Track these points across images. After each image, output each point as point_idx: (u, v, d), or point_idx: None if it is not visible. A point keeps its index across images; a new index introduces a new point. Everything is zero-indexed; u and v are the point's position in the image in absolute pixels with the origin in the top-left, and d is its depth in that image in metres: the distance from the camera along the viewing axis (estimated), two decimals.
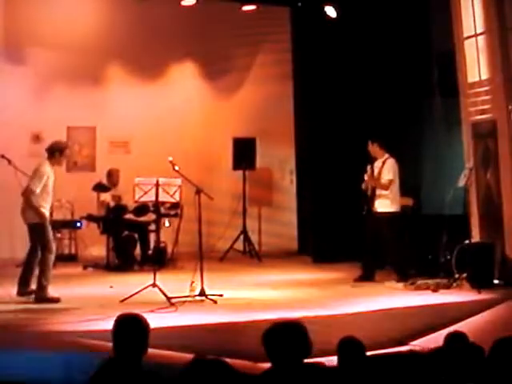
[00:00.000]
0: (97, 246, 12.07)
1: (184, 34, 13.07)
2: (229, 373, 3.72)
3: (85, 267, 11.25)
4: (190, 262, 9.51)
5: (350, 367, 4.49)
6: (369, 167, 10.27)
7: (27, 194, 8.78)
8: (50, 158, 8.91)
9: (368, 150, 10.35)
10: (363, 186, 10.26)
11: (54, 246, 8.93)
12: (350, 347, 4.64)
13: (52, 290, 8.86)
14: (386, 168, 10.20)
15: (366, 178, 10.26)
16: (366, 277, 10.09)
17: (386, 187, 10.13)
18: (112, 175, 11.79)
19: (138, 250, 11.65)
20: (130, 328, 4.25)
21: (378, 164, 10.29)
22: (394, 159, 10.25)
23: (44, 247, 8.77)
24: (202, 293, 8.61)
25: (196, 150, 13.02)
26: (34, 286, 8.73)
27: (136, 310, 7.28)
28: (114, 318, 4.35)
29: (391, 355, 5.32)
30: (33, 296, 8.61)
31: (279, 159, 14.00)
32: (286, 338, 4.11)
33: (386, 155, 10.28)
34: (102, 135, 13.06)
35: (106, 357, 4.29)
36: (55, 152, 8.92)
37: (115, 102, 13.06)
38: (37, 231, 8.82)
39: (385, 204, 10.14)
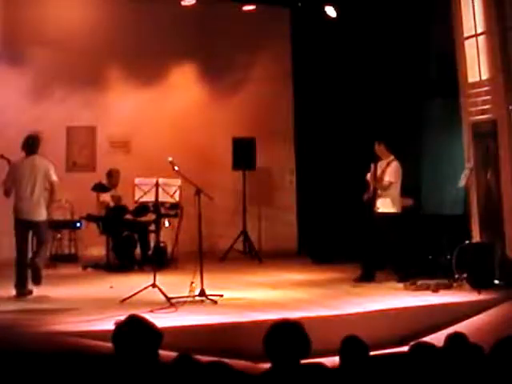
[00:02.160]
0: (97, 246, 12.06)
1: (184, 33, 13.07)
2: (230, 374, 3.72)
3: (85, 267, 11.24)
4: (189, 262, 9.49)
5: (352, 367, 4.48)
6: (372, 166, 10.23)
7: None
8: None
9: (374, 150, 10.31)
10: (365, 196, 10.20)
11: None
12: (353, 346, 4.64)
13: (52, 290, 8.93)
14: (390, 170, 10.15)
15: (368, 177, 10.23)
16: (366, 277, 10.08)
17: (384, 188, 10.11)
18: (112, 176, 11.79)
19: (137, 251, 11.64)
20: (139, 331, 4.20)
21: (381, 164, 10.26)
22: (398, 162, 10.21)
23: (47, 242, 9.16)
24: (202, 293, 8.61)
25: (196, 150, 13.00)
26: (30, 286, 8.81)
27: (136, 311, 7.30)
28: (123, 319, 4.30)
29: (393, 355, 5.32)
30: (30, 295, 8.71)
31: (279, 159, 13.99)
32: (287, 338, 4.11)
33: (391, 157, 10.24)
34: (102, 135, 13.06)
35: (107, 357, 4.29)
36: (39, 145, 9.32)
37: (115, 101, 13.06)
38: (44, 227, 9.01)
39: (386, 205, 10.12)
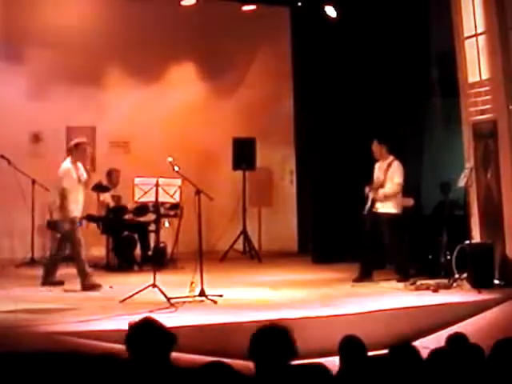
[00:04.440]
0: (97, 246, 12.06)
1: (184, 34, 13.06)
2: (230, 374, 3.71)
3: None
4: (189, 263, 9.50)
5: (351, 366, 4.48)
6: (378, 164, 10.21)
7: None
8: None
9: (372, 150, 10.27)
10: (367, 189, 10.15)
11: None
12: (351, 346, 4.64)
13: (52, 290, 9.00)
14: (394, 171, 10.09)
15: (367, 191, 10.17)
16: (365, 276, 10.06)
17: (396, 192, 10.07)
18: (112, 175, 11.78)
19: (137, 251, 11.63)
20: (151, 334, 4.20)
21: (381, 166, 10.22)
22: (399, 161, 10.19)
23: (57, 242, 9.80)
24: (202, 293, 8.61)
25: (196, 150, 13.00)
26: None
27: (136, 311, 7.30)
28: (132, 323, 4.30)
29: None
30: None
31: (279, 159, 13.99)
32: (272, 343, 4.08)
33: (391, 157, 10.21)
34: (101, 135, 13.04)
35: (106, 357, 4.28)
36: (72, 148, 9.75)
37: (115, 102, 13.04)
38: (57, 227, 9.85)
39: (387, 204, 10.09)
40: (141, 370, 4.02)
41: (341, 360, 4.58)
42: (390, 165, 10.16)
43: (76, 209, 9.39)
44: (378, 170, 10.23)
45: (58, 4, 12.55)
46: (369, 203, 10.09)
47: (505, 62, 9.66)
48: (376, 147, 10.25)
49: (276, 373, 3.96)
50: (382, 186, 10.09)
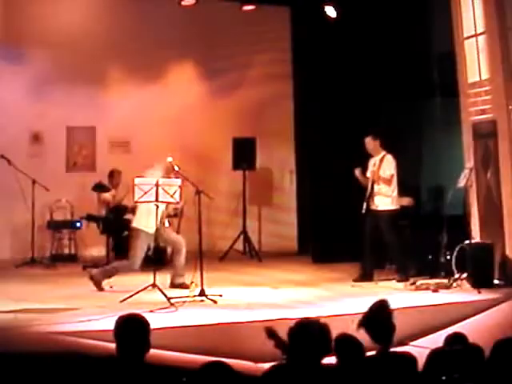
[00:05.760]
0: (97, 246, 12.07)
1: (184, 33, 13.06)
2: (230, 374, 3.73)
3: (85, 267, 11.22)
4: (189, 262, 9.50)
5: (348, 366, 4.48)
6: (373, 160, 10.24)
7: None
8: None
9: (366, 145, 10.28)
10: (357, 172, 10.15)
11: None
12: (348, 346, 4.64)
13: (52, 290, 8.92)
14: (386, 164, 10.16)
15: (369, 173, 10.21)
16: (365, 276, 10.07)
17: (389, 182, 10.10)
18: (113, 176, 11.79)
19: None
20: (131, 328, 4.26)
21: (374, 161, 10.25)
22: (391, 156, 10.23)
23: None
24: (202, 293, 8.61)
25: (196, 150, 12.99)
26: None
27: (136, 310, 7.29)
28: (115, 320, 4.35)
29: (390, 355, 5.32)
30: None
31: (279, 159, 14.00)
32: (310, 337, 4.14)
33: (383, 152, 10.26)
34: (101, 135, 13.05)
35: (107, 357, 4.30)
36: None
37: (115, 101, 13.03)
38: None
39: (384, 201, 10.10)
40: (137, 369, 4.04)
41: (337, 359, 4.58)
42: (382, 159, 10.20)
43: (139, 221, 9.41)
44: (373, 166, 10.26)
45: (58, 4, 12.55)
46: (365, 202, 10.11)
47: (505, 62, 9.67)
48: (369, 143, 10.28)
49: (309, 367, 4.02)
50: (376, 181, 10.11)
